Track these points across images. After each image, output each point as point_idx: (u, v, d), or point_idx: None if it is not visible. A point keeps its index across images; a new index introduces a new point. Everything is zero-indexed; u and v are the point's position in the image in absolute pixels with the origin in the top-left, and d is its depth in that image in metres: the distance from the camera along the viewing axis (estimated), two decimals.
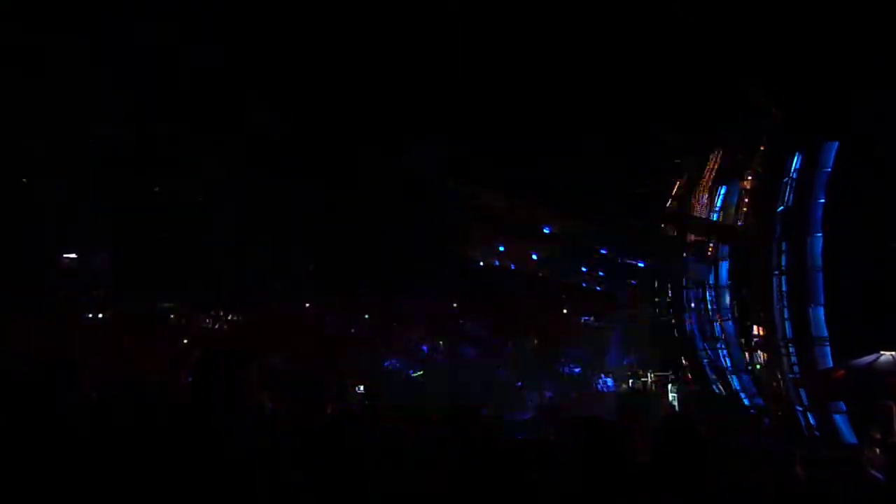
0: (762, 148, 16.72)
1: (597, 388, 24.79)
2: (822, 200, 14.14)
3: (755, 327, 16.39)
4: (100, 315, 32.39)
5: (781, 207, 15.03)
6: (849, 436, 12.93)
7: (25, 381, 3.37)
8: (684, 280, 20.49)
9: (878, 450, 8.22)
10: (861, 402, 11.76)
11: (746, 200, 17.39)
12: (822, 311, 13.87)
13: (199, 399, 3.13)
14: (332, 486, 3.38)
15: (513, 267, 23.03)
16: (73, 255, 33.15)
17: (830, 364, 13.58)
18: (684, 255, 20.31)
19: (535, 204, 20.32)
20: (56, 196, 25.67)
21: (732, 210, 18.17)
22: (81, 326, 29.33)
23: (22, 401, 3.23)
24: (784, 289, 14.56)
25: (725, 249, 18.01)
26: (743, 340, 17.15)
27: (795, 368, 14.45)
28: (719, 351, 18.64)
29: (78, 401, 3.41)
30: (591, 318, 30.82)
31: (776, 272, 14.81)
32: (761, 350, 16.30)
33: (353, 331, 33.78)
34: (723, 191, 18.87)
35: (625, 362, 26.85)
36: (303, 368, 20.92)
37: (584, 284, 23.56)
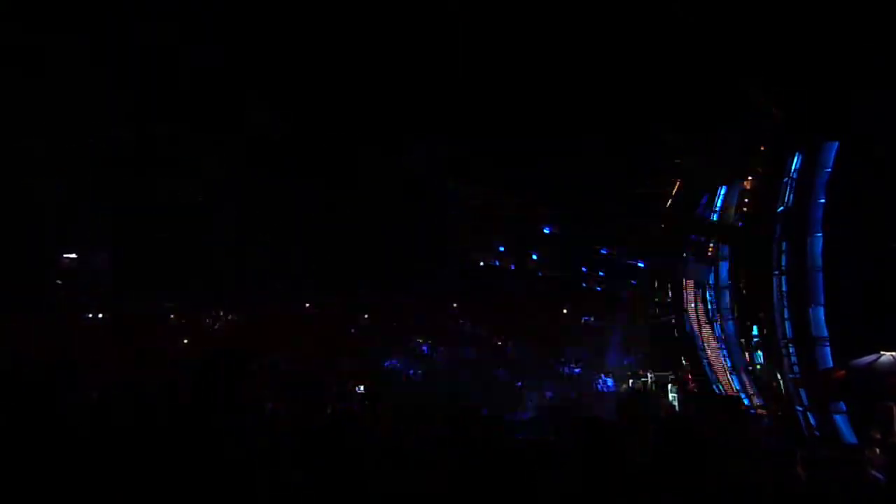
0: (762, 148, 16.72)
1: (597, 388, 24.78)
2: (822, 200, 14.12)
3: (755, 327, 16.39)
4: (100, 315, 32.43)
5: (781, 207, 15.02)
6: (849, 436, 12.92)
7: (25, 381, 3.37)
8: (684, 280, 20.48)
9: (878, 450, 8.23)
10: (861, 403, 11.76)
11: (746, 200, 17.38)
12: (822, 311, 13.85)
13: (199, 399, 3.13)
14: (332, 486, 3.38)
15: (513, 267, 23.02)
16: (73, 255, 33.18)
17: (830, 364, 13.56)
18: (684, 255, 20.31)
19: (535, 204, 20.31)
20: (56, 196, 25.67)
21: (732, 210, 18.17)
22: (81, 326, 29.35)
23: (22, 401, 3.23)
24: (784, 289, 14.54)
25: (725, 249, 18.01)
26: (743, 340, 17.14)
27: (795, 368, 14.43)
28: (720, 351, 18.64)
29: (78, 401, 3.41)
30: (591, 318, 30.85)
31: (776, 272, 14.80)
32: (761, 350, 16.29)
33: (353, 331, 33.82)
34: (723, 191, 18.87)
35: (625, 362, 26.87)
36: (303, 368, 20.92)
37: (584, 284, 23.54)
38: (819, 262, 13.98)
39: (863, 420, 11.48)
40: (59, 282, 30.69)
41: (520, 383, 26.44)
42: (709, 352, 19.34)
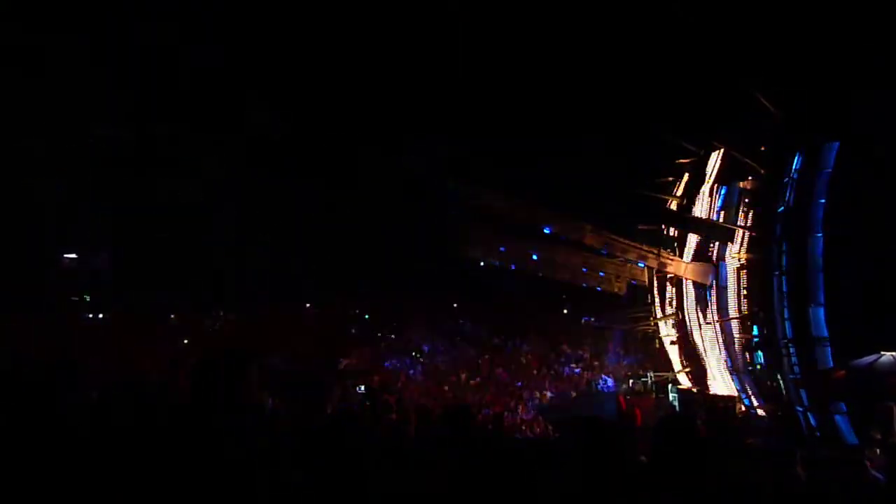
0: (762, 148, 16.71)
1: (597, 388, 24.77)
2: (823, 200, 14.12)
3: (755, 327, 16.38)
4: (100, 315, 32.46)
5: (781, 207, 15.02)
6: (849, 436, 12.93)
7: (25, 381, 3.37)
8: (684, 280, 20.46)
9: (878, 450, 8.23)
10: (861, 403, 11.76)
11: (746, 200, 17.36)
12: (822, 311, 13.86)
13: (199, 399, 3.13)
14: (332, 486, 3.38)
15: (513, 267, 23.00)
16: (73, 255, 33.22)
17: (831, 364, 13.58)
18: (684, 255, 20.30)
19: (535, 204, 20.31)
20: (56, 196, 25.69)
21: (733, 210, 18.14)
22: (81, 326, 29.37)
23: (22, 401, 3.23)
24: (784, 289, 14.54)
25: (725, 249, 17.99)
26: (743, 340, 17.13)
27: (796, 368, 14.43)
28: (720, 351, 18.62)
29: (78, 401, 3.41)
30: (592, 318, 30.84)
31: (776, 272, 14.80)
32: (761, 350, 16.27)
33: (353, 331, 33.85)
34: (723, 191, 18.85)
35: (625, 362, 26.85)
36: (303, 368, 20.91)
37: (584, 285, 23.51)
38: (819, 262, 13.98)
39: (863, 420, 11.49)
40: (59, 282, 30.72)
41: (520, 383, 26.44)
42: (709, 352, 19.33)
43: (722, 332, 18.08)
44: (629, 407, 17.46)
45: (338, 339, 30.16)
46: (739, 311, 16.95)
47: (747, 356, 16.95)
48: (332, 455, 3.54)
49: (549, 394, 25.22)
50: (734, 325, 17.39)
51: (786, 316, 14.51)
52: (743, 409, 17.20)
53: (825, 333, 13.75)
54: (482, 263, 23.18)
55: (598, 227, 19.92)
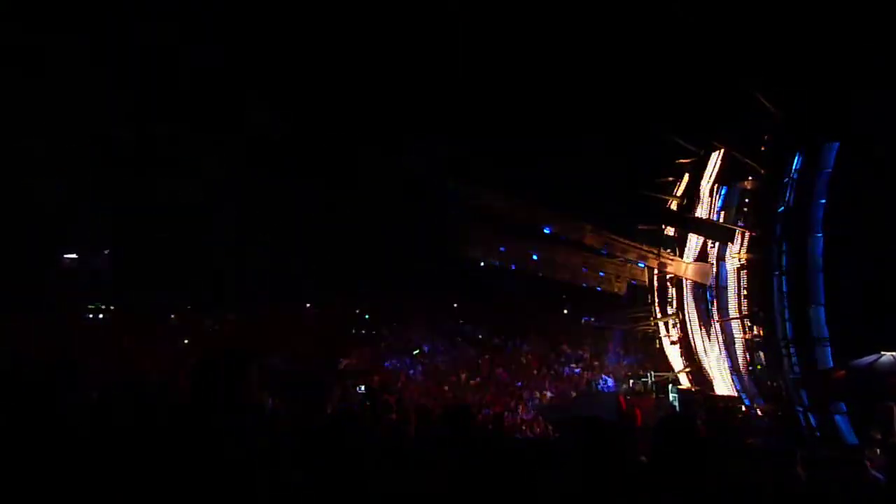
0: (762, 148, 16.70)
1: (597, 388, 24.77)
2: (823, 200, 14.12)
3: (755, 327, 16.37)
4: (100, 315, 32.47)
5: (782, 207, 15.01)
6: (849, 436, 12.92)
7: (25, 381, 3.37)
8: (684, 280, 20.46)
9: (878, 450, 8.23)
10: (861, 403, 11.76)
11: (747, 200, 17.36)
12: (822, 311, 13.85)
13: (199, 399, 3.13)
14: (332, 486, 3.38)
15: (513, 267, 22.99)
16: (74, 256, 33.25)
17: (831, 364, 13.57)
18: (685, 255, 20.30)
19: (535, 204, 20.31)
20: (56, 196, 25.69)
21: (733, 210, 18.13)
22: (81, 326, 29.38)
23: (22, 401, 3.23)
24: (784, 289, 14.53)
25: (725, 249, 17.98)
26: (743, 340, 17.12)
27: (796, 368, 14.42)
28: (720, 351, 18.62)
29: (78, 401, 3.41)
30: (592, 319, 30.84)
31: (776, 272, 14.79)
32: (761, 350, 16.26)
33: (353, 331, 33.86)
34: (723, 191, 18.84)
35: (625, 362, 26.85)
36: (303, 368, 20.91)
37: (584, 285, 23.50)
38: (819, 262, 13.96)
39: (863, 420, 11.48)
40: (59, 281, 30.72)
41: (520, 383, 26.45)
42: (709, 352, 19.33)
43: (722, 332, 18.07)
44: (629, 407, 17.45)
45: (338, 339, 30.16)
46: (739, 311, 16.94)
47: (747, 356, 16.94)
48: (332, 455, 3.54)
49: (549, 394, 25.21)
50: (734, 325, 17.38)
51: (786, 316, 14.50)
52: (743, 409, 17.20)
53: (825, 333, 13.74)
54: (482, 263, 23.17)
55: (598, 227, 19.92)
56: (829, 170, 14.09)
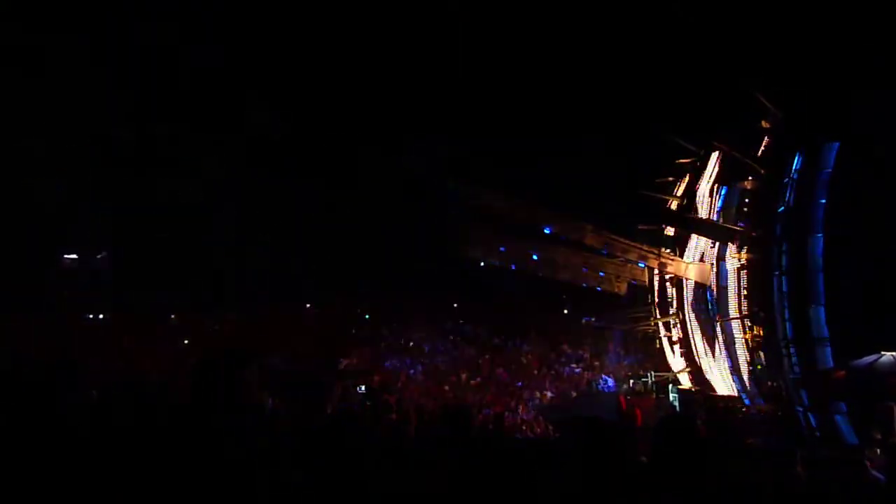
0: (762, 148, 16.71)
1: (597, 388, 24.77)
2: (823, 200, 14.12)
3: (755, 327, 16.37)
4: (100, 315, 32.47)
5: (782, 207, 15.01)
6: (849, 436, 12.93)
7: (25, 381, 3.37)
8: (684, 280, 20.46)
9: (878, 450, 8.23)
10: (861, 403, 11.76)
11: (747, 200, 17.36)
12: (822, 311, 13.86)
13: (199, 399, 3.13)
14: (332, 486, 3.38)
15: (513, 267, 22.99)
16: (74, 256, 33.26)
17: (831, 364, 13.58)
18: (686, 256, 20.30)
19: (535, 204, 20.31)
20: (56, 196, 25.70)
21: (733, 210, 18.14)
22: (81, 326, 29.38)
23: (22, 401, 3.23)
24: (784, 289, 14.54)
25: (725, 249, 17.98)
26: (743, 340, 17.12)
27: (796, 368, 14.43)
28: (720, 351, 18.63)
29: (78, 401, 3.41)
30: (592, 318, 30.82)
31: (776, 272, 14.79)
32: (761, 350, 16.27)
33: (353, 331, 33.84)
34: (723, 191, 18.85)
35: (625, 362, 26.84)
36: (303, 368, 20.91)
37: (584, 285, 23.50)
38: (819, 262, 13.97)
39: (863, 420, 11.48)
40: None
41: (520, 383, 26.45)
42: (709, 352, 19.33)
43: (722, 332, 18.07)
44: (629, 407, 17.45)
45: (338, 339, 30.15)
46: (739, 311, 16.94)
47: (747, 356, 16.94)
48: (332, 455, 3.54)
49: (549, 394, 25.21)
50: (734, 325, 17.38)
51: (786, 316, 14.50)
52: (743, 409, 17.20)
53: (825, 333, 13.75)
54: (482, 263, 23.17)
55: (598, 227, 19.92)
56: (829, 170, 14.10)
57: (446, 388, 26.31)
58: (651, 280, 23.30)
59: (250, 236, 29.83)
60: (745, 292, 16.71)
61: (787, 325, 14.46)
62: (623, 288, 23.79)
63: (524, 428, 20.67)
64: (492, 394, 25.26)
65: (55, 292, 29.82)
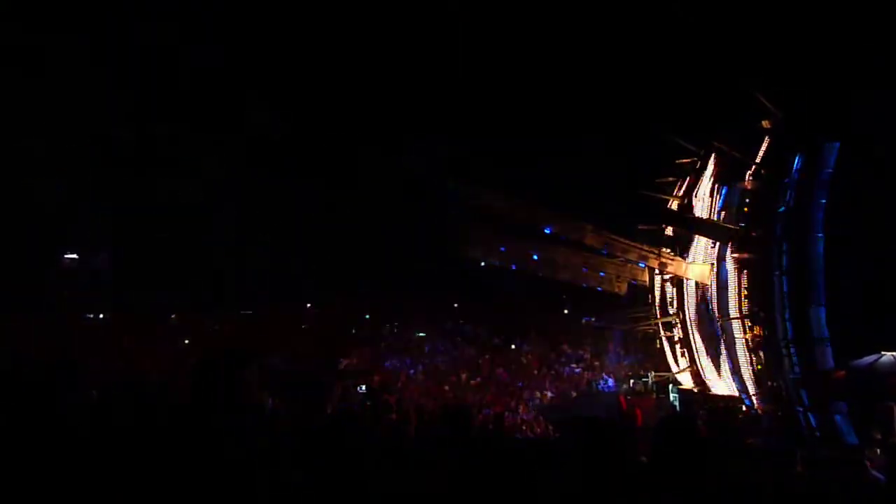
0: (762, 148, 16.71)
1: (597, 388, 24.77)
2: (823, 200, 14.13)
3: (755, 327, 16.37)
4: (100, 315, 32.47)
5: (782, 207, 15.02)
6: (849, 436, 12.94)
7: (25, 381, 3.37)
8: (684, 280, 20.46)
9: (878, 450, 8.24)
10: (861, 403, 11.77)
11: (747, 200, 17.36)
12: (822, 311, 13.86)
13: (199, 399, 3.13)
14: (332, 486, 3.37)
15: (513, 267, 22.99)
16: (74, 256, 33.26)
17: (831, 364, 13.58)
18: (689, 256, 20.31)
19: (535, 204, 20.31)
20: (56, 196, 25.70)
21: (733, 210, 18.13)
22: (81, 326, 29.38)
23: (22, 401, 3.23)
24: (784, 289, 14.54)
25: (725, 249, 17.98)
26: (743, 340, 17.12)
27: (796, 368, 14.43)
28: (720, 351, 18.63)
29: (78, 401, 3.41)
30: (592, 319, 30.83)
31: (776, 272, 14.79)
32: (761, 350, 16.27)
33: (353, 331, 33.84)
34: (723, 191, 18.84)
35: (625, 362, 26.84)
36: (303, 368, 20.91)
37: (584, 285, 23.49)
38: (819, 262, 13.97)
39: (863, 420, 11.49)
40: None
41: (520, 383, 26.45)
42: (709, 352, 19.33)
43: (722, 332, 18.07)
44: (630, 407, 17.47)
45: (338, 339, 30.15)
46: (740, 311, 16.94)
47: (747, 356, 16.94)
48: (332, 455, 3.54)
49: (549, 394, 25.21)
50: (734, 325, 17.37)
51: (786, 316, 14.50)
52: (743, 409, 17.20)
53: (825, 333, 13.75)
54: (482, 263, 23.16)
55: (598, 227, 19.91)
56: (829, 170, 14.10)
57: (446, 388, 26.31)
58: (651, 280, 23.30)
59: (250, 236, 29.83)
60: (746, 292, 16.70)
61: (788, 325, 14.47)
62: (623, 288, 23.78)
63: (524, 428, 20.67)
64: (492, 394, 25.26)
65: (55, 292, 29.82)
